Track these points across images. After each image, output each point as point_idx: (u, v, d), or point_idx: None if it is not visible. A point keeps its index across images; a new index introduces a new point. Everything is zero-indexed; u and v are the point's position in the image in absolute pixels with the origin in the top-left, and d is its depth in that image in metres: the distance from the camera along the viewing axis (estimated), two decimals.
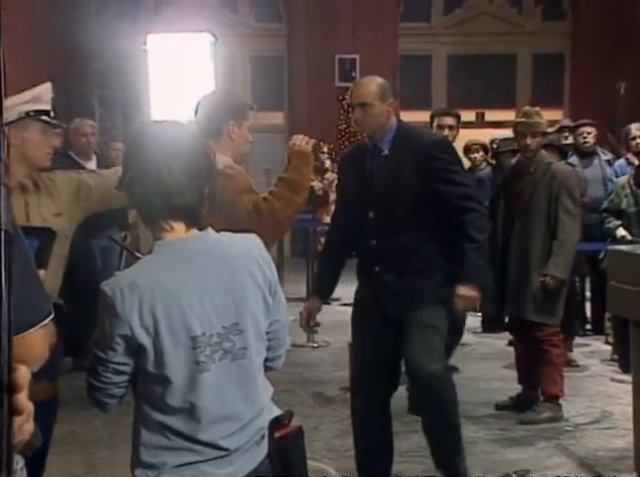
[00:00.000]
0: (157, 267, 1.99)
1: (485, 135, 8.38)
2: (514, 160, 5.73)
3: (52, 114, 2.95)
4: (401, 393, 3.86)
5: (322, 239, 8.98)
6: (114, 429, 4.70)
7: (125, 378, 2.01)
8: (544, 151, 5.34)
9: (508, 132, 8.14)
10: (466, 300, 3.76)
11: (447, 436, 3.74)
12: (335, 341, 6.83)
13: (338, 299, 7.63)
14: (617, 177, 6.85)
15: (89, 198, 3.01)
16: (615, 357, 6.32)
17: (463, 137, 6.24)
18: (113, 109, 11.33)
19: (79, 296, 3.07)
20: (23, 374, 1.00)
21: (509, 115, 14.05)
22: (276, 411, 2.11)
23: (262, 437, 2.05)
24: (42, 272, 2.39)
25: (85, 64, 10.95)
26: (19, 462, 1.94)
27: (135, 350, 1.95)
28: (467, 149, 7.64)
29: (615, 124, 10.12)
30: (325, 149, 10.58)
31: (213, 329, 1.97)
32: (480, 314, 7.29)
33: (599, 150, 7.61)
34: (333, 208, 10.00)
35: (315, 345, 7.10)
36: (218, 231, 2.08)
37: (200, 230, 2.05)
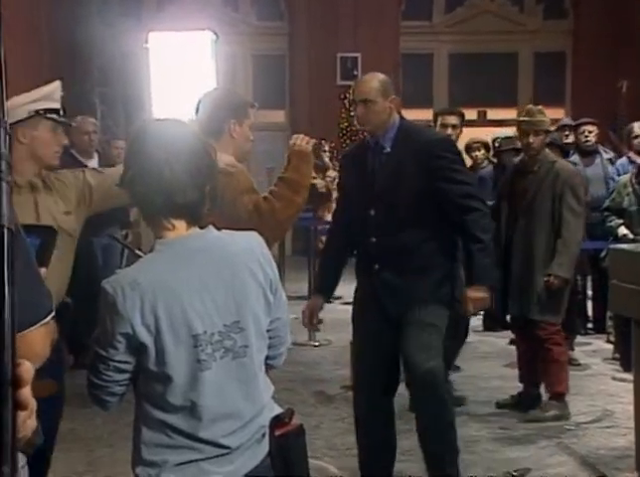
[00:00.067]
0: (158, 266, 1.99)
1: (487, 134, 8.38)
2: (517, 159, 5.72)
3: (61, 113, 2.96)
4: (403, 391, 3.86)
5: (323, 238, 8.98)
6: (115, 427, 4.70)
7: (126, 376, 2.01)
8: (547, 149, 5.34)
9: (509, 131, 8.15)
10: (477, 302, 3.76)
11: (441, 435, 3.73)
12: (336, 339, 6.83)
13: (339, 298, 7.62)
14: (619, 175, 6.84)
15: (93, 196, 3.03)
16: (617, 355, 6.32)
17: (465, 136, 6.22)
18: (115, 107, 11.34)
19: (80, 294, 3.07)
20: (27, 368, 1.00)
21: (510, 114, 14.03)
22: (277, 410, 2.11)
23: (263, 436, 2.05)
24: (43, 270, 2.39)
25: (87, 62, 10.96)
26: (20, 460, 1.94)
27: (136, 348, 1.95)
28: (469, 148, 7.64)
29: (617, 123, 10.11)
30: (327, 148, 10.58)
31: (214, 327, 1.97)
32: (482, 312, 7.29)
33: (601, 149, 7.60)
34: (334, 206, 10.03)
35: (316, 343, 7.10)
36: (219, 229, 2.08)
37: (201, 228, 2.05)
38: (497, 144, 7.64)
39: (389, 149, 3.74)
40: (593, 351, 6.84)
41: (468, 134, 7.58)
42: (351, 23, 13.79)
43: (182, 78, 5.41)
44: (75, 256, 3.02)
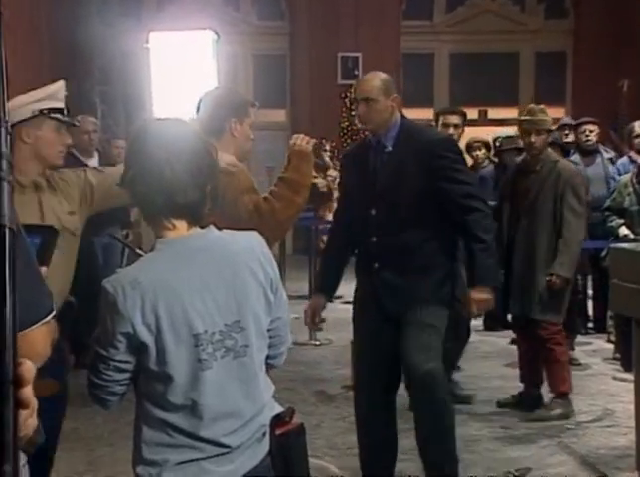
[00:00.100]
0: (159, 265, 1.99)
1: (487, 133, 8.37)
2: (519, 158, 5.72)
3: (65, 113, 2.96)
4: (403, 390, 3.86)
5: (324, 237, 8.99)
6: (116, 427, 4.71)
7: (127, 375, 2.01)
8: (550, 149, 5.34)
9: (510, 130, 8.15)
10: (480, 303, 3.76)
11: (440, 440, 3.71)
12: (337, 339, 6.84)
13: (340, 297, 7.61)
14: (620, 175, 6.83)
15: (94, 196, 3.04)
16: (617, 355, 6.32)
17: (465, 135, 6.23)
18: (116, 107, 11.34)
19: (80, 294, 3.07)
20: (28, 368, 1.00)
21: (511, 113, 14.06)
22: (278, 409, 2.11)
23: (264, 435, 2.05)
24: (43, 270, 2.39)
25: (88, 61, 10.96)
26: (21, 459, 1.94)
27: (137, 347, 1.95)
28: (469, 147, 7.64)
29: (618, 122, 10.11)
30: (327, 147, 10.58)
31: (215, 327, 1.97)
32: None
33: (602, 148, 7.60)
34: (335, 205, 10.04)
35: (317, 343, 7.10)
36: (220, 228, 2.08)
37: (202, 227, 2.05)
38: (498, 144, 7.64)
39: (390, 148, 3.73)
40: (594, 350, 6.84)
41: (469, 134, 7.57)
42: (352, 22, 13.78)
43: (183, 77, 5.41)
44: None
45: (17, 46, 7.78)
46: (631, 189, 6.15)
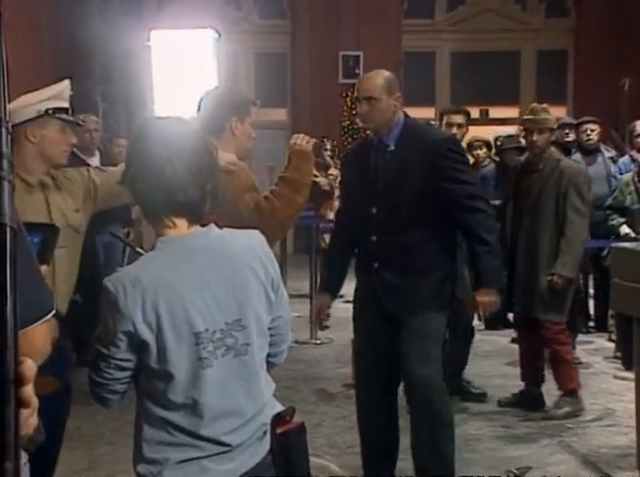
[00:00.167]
0: (159, 264, 1.99)
1: (488, 132, 8.37)
2: (521, 157, 5.72)
3: (70, 112, 2.97)
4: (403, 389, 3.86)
5: (325, 236, 8.99)
6: (117, 425, 4.71)
7: (128, 374, 2.01)
8: (553, 148, 5.34)
9: (512, 129, 8.14)
10: (486, 306, 3.75)
11: (434, 446, 3.69)
12: (338, 338, 6.83)
13: (341, 296, 7.60)
14: (621, 174, 6.83)
15: (97, 194, 3.05)
16: (618, 354, 6.32)
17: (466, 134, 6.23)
18: (117, 105, 11.34)
19: (82, 292, 3.08)
20: (29, 366, 1.00)
21: (513, 112, 14.09)
22: (278, 408, 2.11)
23: (265, 433, 2.05)
24: (44, 268, 2.39)
25: (89, 60, 10.96)
26: (22, 457, 1.94)
27: (138, 346, 1.95)
28: (470, 146, 7.63)
29: (619, 121, 10.09)
30: (328, 146, 10.58)
31: (216, 325, 1.97)
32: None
33: (603, 147, 7.60)
34: (336, 204, 10.04)
35: (318, 341, 7.10)
36: (220, 227, 2.08)
37: (202, 226, 2.05)
38: (499, 143, 7.63)
39: (393, 147, 3.71)
40: (595, 349, 6.84)
41: (470, 133, 7.57)
42: (353, 21, 13.78)
43: (183, 76, 5.40)
44: None
45: (18, 45, 7.78)
46: (632, 188, 6.15)
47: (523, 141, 7.39)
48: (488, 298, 3.74)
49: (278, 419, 2.07)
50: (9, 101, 1.03)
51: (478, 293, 3.75)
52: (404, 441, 3.85)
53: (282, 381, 4.43)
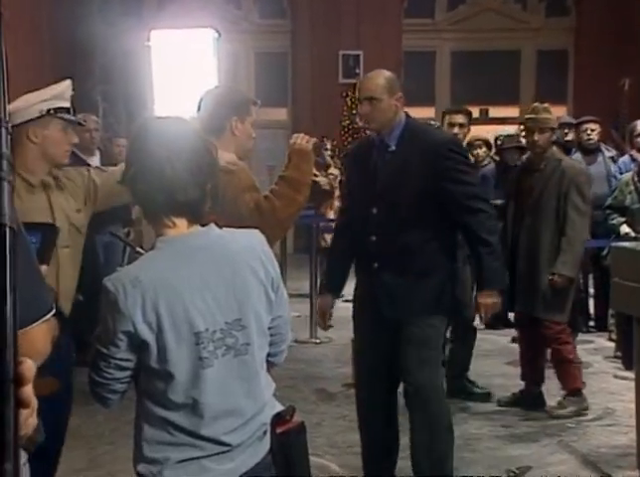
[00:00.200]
0: (159, 263, 1.99)
1: (488, 131, 8.37)
2: (522, 157, 5.72)
3: (71, 112, 2.97)
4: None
5: (325, 235, 8.98)
6: (117, 425, 4.71)
7: (128, 373, 2.01)
8: (555, 148, 5.34)
9: (512, 129, 8.14)
10: (488, 307, 3.75)
11: (433, 452, 3.70)
12: (338, 337, 6.83)
13: (341, 295, 7.63)
14: (621, 174, 6.83)
15: (97, 194, 3.06)
16: (618, 354, 6.32)
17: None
18: (117, 105, 11.34)
19: (82, 292, 3.08)
20: (29, 367, 1.01)
21: (513, 112, 14.08)
22: (278, 407, 2.11)
23: (265, 433, 2.05)
24: (44, 268, 2.40)
25: (89, 60, 10.96)
26: (22, 457, 1.94)
27: (138, 346, 1.95)
28: (470, 145, 7.62)
29: (619, 121, 10.09)
30: (328, 145, 10.57)
31: (216, 325, 1.97)
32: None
33: (603, 147, 7.60)
34: (337, 203, 10.04)
35: (318, 341, 7.11)
36: (220, 227, 2.08)
37: (202, 226, 2.05)
38: (499, 142, 7.63)
39: (394, 148, 3.69)
40: (595, 349, 6.84)
41: (470, 132, 7.57)
42: (353, 21, 13.77)
43: (184, 75, 5.40)
44: None
45: (18, 45, 7.78)
46: (632, 187, 6.15)
47: (523, 141, 7.41)
48: (490, 300, 3.73)
49: (278, 419, 2.08)
50: (9, 102, 1.02)
51: (480, 295, 3.75)
52: (404, 440, 3.85)
53: (282, 380, 4.43)
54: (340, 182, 9.95)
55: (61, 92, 2.96)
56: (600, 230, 6.35)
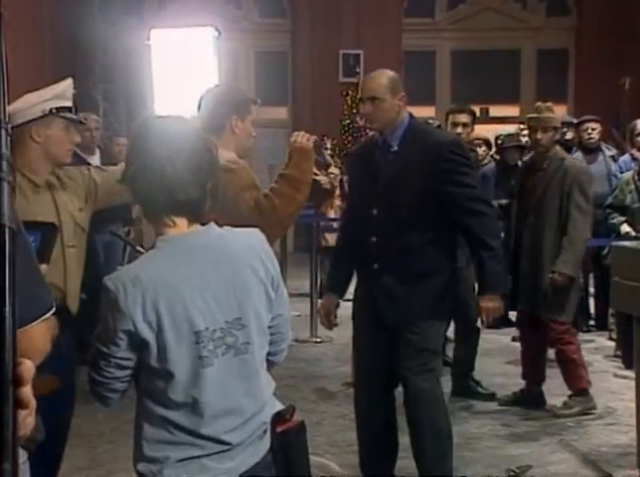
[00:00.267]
0: (160, 262, 1.99)
1: (489, 131, 8.37)
2: (527, 156, 5.71)
3: (73, 110, 2.97)
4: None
5: (326, 235, 8.98)
6: (117, 424, 4.71)
7: (128, 372, 2.02)
8: (558, 147, 5.34)
9: (512, 128, 8.14)
10: (490, 311, 3.73)
11: (435, 457, 3.71)
12: (338, 336, 6.83)
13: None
14: (622, 173, 6.83)
15: (98, 193, 3.06)
16: (619, 353, 6.32)
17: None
18: (117, 104, 11.34)
19: (84, 290, 3.09)
20: (28, 367, 1.01)
21: (513, 111, 14.08)
22: (279, 406, 2.11)
23: (265, 432, 2.05)
24: (44, 267, 2.39)
25: (90, 59, 10.95)
26: (22, 456, 1.94)
27: (138, 345, 1.95)
28: (470, 144, 7.63)
29: (620, 120, 10.09)
30: (329, 145, 10.57)
31: (216, 324, 1.97)
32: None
33: (604, 146, 7.60)
34: (337, 202, 10.03)
35: (318, 340, 7.11)
36: (221, 226, 2.08)
37: (203, 225, 2.05)
38: (500, 141, 7.63)
39: (396, 148, 3.67)
40: (595, 348, 6.84)
41: (474, 131, 7.56)
42: (353, 20, 13.77)
43: (184, 74, 5.40)
44: None
45: (19, 44, 7.77)
46: (633, 186, 6.14)
47: (523, 140, 7.41)
48: (492, 304, 3.71)
49: (278, 418, 2.08)
50: (10, 102, 1.02)
51: (482, 298, 3.72)
52: (405, 440, 3.85)
53: (282, 379, 4.43)
54: (340, 181, 9.95)
55: (62, 91, 2.96)
56: (601, 229, 6.34)
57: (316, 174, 8.31)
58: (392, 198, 3.65)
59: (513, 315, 6.43)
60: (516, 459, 4.42)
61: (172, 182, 1.96)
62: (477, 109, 13.62)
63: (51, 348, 1.54)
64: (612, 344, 6.65)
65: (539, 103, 5.41)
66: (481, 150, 7.61)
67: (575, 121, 7.77)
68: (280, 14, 14.47)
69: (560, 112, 10.24)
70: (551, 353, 5.38)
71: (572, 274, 5.05)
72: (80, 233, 3.01)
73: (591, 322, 7.51)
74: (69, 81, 3.01)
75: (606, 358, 6.51)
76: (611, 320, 6.87)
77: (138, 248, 2.64)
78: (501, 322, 7.03)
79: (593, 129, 7.35)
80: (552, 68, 14.43)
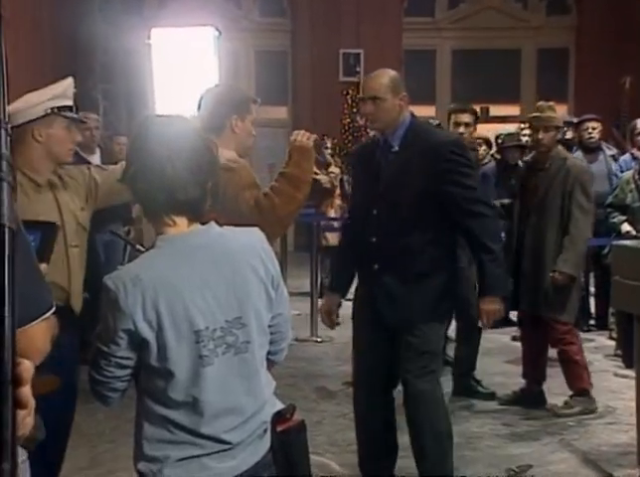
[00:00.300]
0: (160, 262, 1.99)
1: (489, 130, 8.37)
2: (530, 155, 5.71)
3: (74, 109, 2.97)
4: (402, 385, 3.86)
5: (326, 234, 8.99)
6: (117, 423, 4.72)
7: (128, 372, 2.02)
8: (560, 146, 5.33)
9: (512, 127, 8.14)
10: (490, 314, 3.71)
11: (435, 458, 3.71)
12: (338, 335, 6.82)
13: None
14: (622, 172, 6.82)
15: (98, 193, 3.06)
16: (619, 352, 6.32)
17: None
18: (117, 103, 11.34)
19: (86, 290, 3.09)
20: (27, 368, 1.01)
21: (513, 110, 14.08)
22: (279, 405, 2.11)
23: (265, 431, 2.05)
24: (44, 266, 2.39)
25: (90, 58, 10.96)
26: (21, 455, 1.95)
27: (138, 344, 1.95)
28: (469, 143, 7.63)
29: (620, 119, 10.09)
30: (329, 144, 10.57)
31: (216, 323, 1.97)
32: None
33: (604, 145, 7.60)
34: (337, 202, 10.02)
35: (318, 339, 7.11)
36: (221, 225, 2.08)
37: (203, 224, 2.05)
38: (500, 141, 7.63)
39: (397, 148, 3.66)
40: (595, 347, 6.84)
41: (476, 131, 7.56)
42: (353, 19, 13.77)
43: (184, 74, 5.41)
44: None
45: (19, 44, 7.77)
46: (633, 186, 6.14)
47: (523, 139, 7.41)
48: (492, 306, 3.69)
49: (279, 417, 2.08)
50: (10, 102, 1.03)
51: (482, 301, 3.70)
52: (405, 439, 3.85)
53: (283, 378, 4.43)
54: (341, 180, 9.96)
55: (64, 91, 2.96)
56: (601, 228, 6.34)
57: (316, 173, 8.30)
58: (392, 198, 3.64)
59: (513, 315, 6.44)
60: (516, 458, 4.42)
61: (172, 181, 1.96)
62: (477, 109, 13.70)
63: (51, 347, 1.54)
64: (612, 343, 6.65)
65: (541, 103, 5.40)
66: (481, 149, 7.61)
67: (576, 121, 7.77)
68: (280, 13, 14.46)
69: (560, 112, 10.24)
70: (551, 352, 5.38)
71: (573, 273, 5.04)
72: (81, 232, 3.02)
73: (592, 321, 7.51)
74: (69, 81, 3.01)
75: (606, 357, 6.51)
76: (611, 319, 6.87)
77: (138, 248, 2.64)
78: (501, 322, 7.03)
79: (594, 128, 7.35)
80: (552, 67, 14.43)
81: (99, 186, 3.07)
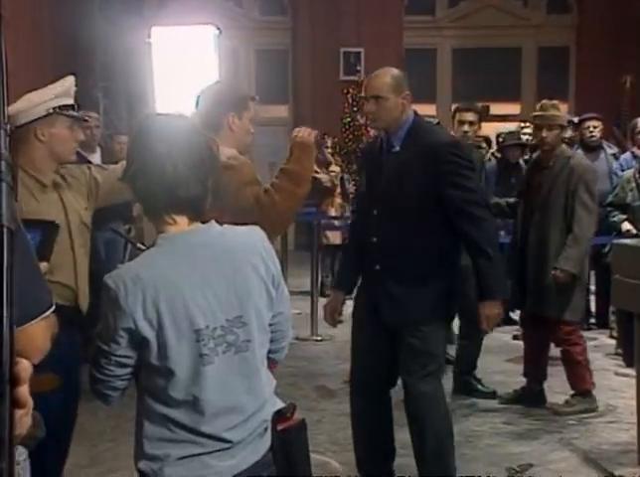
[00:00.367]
0: (160, 261, 1.99)
1: (489, 128, 8.37)
2: (534, 154, 5.71)
3: (76, 108, 2.97)
4: (400, 383, 3.85)
5: (327, 233, 8.99)
6: (118, 422, 4.72)
7: (128, 370, 2.02)
8: (564, 145, 5.33)
9: (513, 126, 8.14)
10: (490, 318, 3.70)
11: (437, 458, 3.71)
12: (339, 334, 6.82)
13: None
14: (623, 171, 6.82)
15: (99, 191, 3.07)
16: (619, 351, 6.32)
17: None
18: (118, 102, 11.34)
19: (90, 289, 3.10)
20: (25, 367, 1.01)
21: (514, 109, 14.07)
22: (279, 404, 2.11)
23: (265, 430, 2.06)
24: (44, 265, 2.40)
25: (90, 57, 10.96)
26: (22, 454, 1.95)
27: (139, 343, 1.95)
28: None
29: (621, 118, 10.09)
30: (329, 143, 10.57)
31: (216, 322, 1.97)
32: None
33: (605, 144, 7.60)
34: (338, 200, 10.01)
35: (319, 338, 7.11)
36: (221, 223, 2.08)
37: (203, 223, 2.05)
38: (501, 139, 7.63)
39: (398, 148, 3.64)
40: (596, 346, 6.83)
41: (480, 129, 7.56)
42: (354, 18, 13.76)
43: (184, 72, 5.40)
44: None
45: (19, 43, 7.77)
46: (634, 184, 6.14)
47: (524, 138, 7.41)
48: (492, 311, 3.67)
49: (279, 416, 2.08)
50: (10, 101, 1.03)
51: (482, 305, 3.67)
52: (405, 437, 3.85)
53: (283, 377, 4.44)
54: (341, 179, 9.96)
55: (65, 90, 2.96)
56: (602, 227, 6.34)
57: (317, 172, 8.30)
58: (392, 199, 3.63)
59: (514, 314, 6.44)
60: (516, 457, 4.42)
61: (173, 180, 1.96)
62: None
63: (51, 346, 1.54)
64: (613, 342, 6.65)
65: (544, 101, 5.39)
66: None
67: (577, 119, 7.76)
68: (281, 12, 14.46)
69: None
70: (552, 351, 5.38)
71: (575, 271, 5.04)
72: (85, 232, 3.02)
73: (592, 320, 7.51)
74: (71, 79, 3.00)
75: (607, 356, 6.51)
76: (612, 318, 6.87)
77: (139, 246, 2.64)
78: (502, 321, 7.04)
79: (595, 127, 7.35)
80: (552, 65, 14.42)
81: (100, 185, 3.07)
